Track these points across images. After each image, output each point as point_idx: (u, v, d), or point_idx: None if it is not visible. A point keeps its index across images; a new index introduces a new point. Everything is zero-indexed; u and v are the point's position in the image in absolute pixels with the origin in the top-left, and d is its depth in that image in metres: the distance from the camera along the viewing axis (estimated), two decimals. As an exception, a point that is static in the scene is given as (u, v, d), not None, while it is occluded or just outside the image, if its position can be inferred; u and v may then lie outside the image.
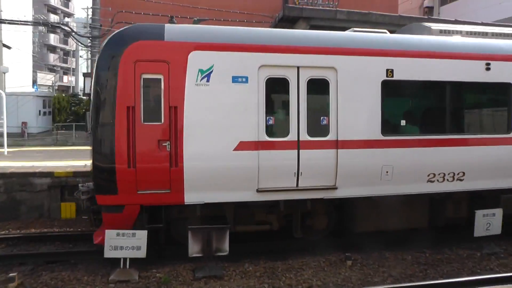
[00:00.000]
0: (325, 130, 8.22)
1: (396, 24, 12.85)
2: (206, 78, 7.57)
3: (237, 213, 8.42)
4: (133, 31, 7.75)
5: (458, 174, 8.94)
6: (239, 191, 7.86)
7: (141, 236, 7.51)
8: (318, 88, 8.21)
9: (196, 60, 7.54)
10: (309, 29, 12.31)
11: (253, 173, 7.79)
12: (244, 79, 7.74)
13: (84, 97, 42.99)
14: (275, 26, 13.68)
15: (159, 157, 7.40)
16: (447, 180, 8.92)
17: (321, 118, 8.24)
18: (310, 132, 8.11)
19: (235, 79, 7.71)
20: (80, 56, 62.08)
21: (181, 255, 8.19)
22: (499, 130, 9.40)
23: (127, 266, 7.57)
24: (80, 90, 58.31)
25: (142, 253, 7.51)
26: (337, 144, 8.16)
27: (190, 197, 7.65)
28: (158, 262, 8.25)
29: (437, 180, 8.86)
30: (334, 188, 8.28)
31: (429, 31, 9.71)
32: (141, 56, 7.41)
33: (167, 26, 7.84)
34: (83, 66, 62.63)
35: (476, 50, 9.18)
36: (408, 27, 10.78)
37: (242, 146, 7.70)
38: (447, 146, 8.84)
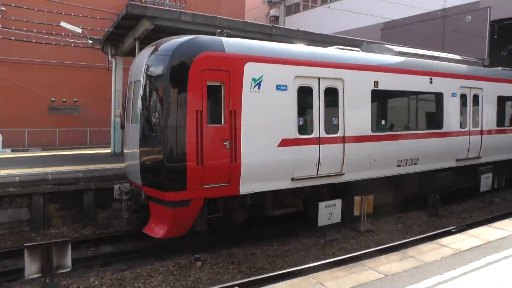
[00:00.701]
0: (336, 128, 10.12)
1: (242, 30, 13.25)
2: (258, 86, 8.80)
3: (274, 200, 9.65)
4: (198, 43, 8.50)
5: (414, 159, 11.80)
6: (279, 180, 9.23)
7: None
8: (331, 95, 10.06)
9: (251, 70, 8.72)
10: (153, 28, 12.00)
11: (290, 165, 9.27)
12: (284, 87, 9.21)
13: None
14: (118, 24, 13.08)
15: (222, 154, 8.36)
16: (408, 164, 11.69)
17: (333, 118, 10.10)
18: (327, 130, 9.93)
19: (278, 87, 9.12)
20: None
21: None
22: (436, 126, 12.53)
23: None
24: None
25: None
26: (344, 139, 10.15)
27: (244, 188, 8.74)
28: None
29: (403, 165, 11.56)
30: (341, 174, 10.19)
31: (391, 52, 12.36)
32: (207, 65, 8.28)
33: (225, 39, 8.80)
34: None
35: (425, 68, 12.22)
36: (372, 46, 13.16)
37: (284, 143, 9.16)
38: (409, 139, 11.72)
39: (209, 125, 8.23)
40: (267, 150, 8.93)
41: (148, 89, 8.50)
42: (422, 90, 12.17)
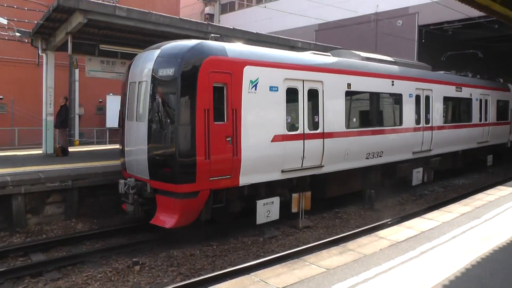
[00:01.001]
0: (317, 125, 11.28)
1: (177, 27, 13.06)
2: (254, 87, 9.71)
3: (267, 190, 10.51)
4: (205, 47, 9.29)
5: (379, 152, 13.29)
6: (271, 172, 10.23)
7: None
8: (313, 95, 11.22)
9: (249, 73, 9.63)
10: (87, 22, 11.49)
11: (281, 158, 10.29)
12: (276, 89, 10.22)
13: None
14: (49, 16, 12.34)
15: (226, 149, 9.18)
16: (375, 157, 13.14)
17: (315, 116, 11.22)
18: (310, 127, 11.05)
19: (271, 88, 10.12)
20: None
21: None
22: (397, 123, 14.27)
23: None
24: None
25: None
26: (323, 135, 11.29)
27: (243, 180, 9.60)
28: None
29: (370, 157, 12.98)
30: (321, 166, 11.36)
31: (358, 57, 13.81)
32: (214, 68, 9.08)
33: (226, 45, 9.76)
34: None
35: (388, 72, 13.92)
36: (341, 51, 14.41)
37: (276, 138, 10.16)
38: (375, 134, 13.19)
39: (215, 122, 9.01)
40: (262, 145, 9.89)
41: (158, 90, 9.17)
42: (386, 91, 13.77)
